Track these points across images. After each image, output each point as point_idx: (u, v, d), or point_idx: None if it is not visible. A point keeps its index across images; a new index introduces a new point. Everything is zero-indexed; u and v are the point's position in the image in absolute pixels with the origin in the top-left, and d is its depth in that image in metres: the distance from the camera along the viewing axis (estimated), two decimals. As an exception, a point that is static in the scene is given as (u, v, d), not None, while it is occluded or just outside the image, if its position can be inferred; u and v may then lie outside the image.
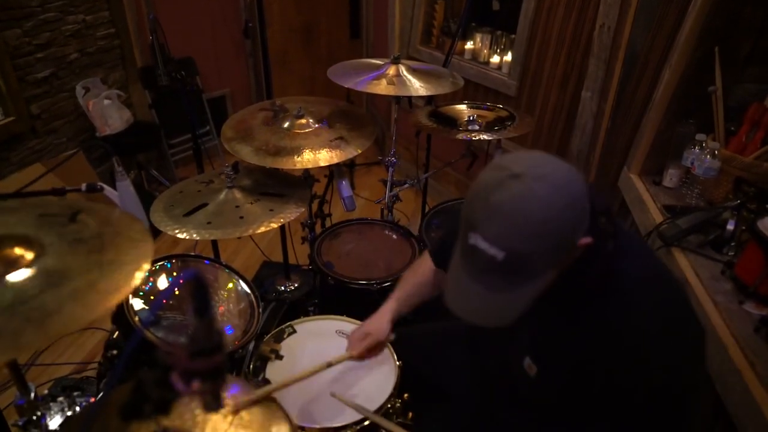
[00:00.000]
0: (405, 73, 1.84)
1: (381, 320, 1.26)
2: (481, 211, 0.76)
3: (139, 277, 0.72)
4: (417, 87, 1.79)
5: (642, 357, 0.80)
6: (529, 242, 0.73)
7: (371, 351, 1.25)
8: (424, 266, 1.32)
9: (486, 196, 0.75)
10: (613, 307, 0.83)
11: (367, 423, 1.14)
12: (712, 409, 1.14)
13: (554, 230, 0.74)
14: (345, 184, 1.81)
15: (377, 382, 1.24)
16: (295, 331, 1.40)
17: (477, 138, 1.80)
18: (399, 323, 1.29)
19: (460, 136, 1.86)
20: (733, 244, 1.34)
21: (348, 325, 1.42)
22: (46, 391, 1.47)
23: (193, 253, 1.59)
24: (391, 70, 1.85)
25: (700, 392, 0.83)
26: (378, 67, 1.88)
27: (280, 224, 1.45)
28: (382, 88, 1.78)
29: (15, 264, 0.75)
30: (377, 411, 1.16)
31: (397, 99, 2.01)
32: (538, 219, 0.73)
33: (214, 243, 2.00)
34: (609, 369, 0.82)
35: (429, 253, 1.33)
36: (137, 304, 1.28)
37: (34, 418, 1.01)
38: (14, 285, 0.71)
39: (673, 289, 0.87)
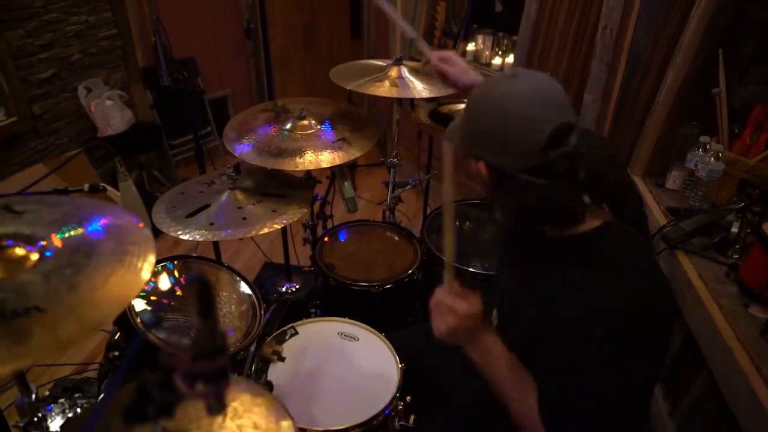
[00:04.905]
0: (407, 74, 1.83)
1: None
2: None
3: (145, 277, 0.72)
4: (420, 89, 1.78)
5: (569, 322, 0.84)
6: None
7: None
8: None
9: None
10: (571, 280, 0.86)
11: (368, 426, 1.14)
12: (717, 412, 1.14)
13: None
14: (347, 185, 1.81)
15: (380, 384, 1.24)
16: (297, 333, 1.40)
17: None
18: (399, 326, 1.28)
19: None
20: (737, 246, 1.33)
21: (350, 327, 1.41)
22: (47, 392, 1.47)
23: (194, 254, 1.58)
24: (393, 72, 1.84)
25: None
26: (380, 69, 1.88)
27: (282, 225, 1.45)
28: (384, 90, 1.77)
29: (18, 264, 0.74)
30: (380, 413, 1.16)
31: (399, 100, 2.01)
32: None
33: (216, 244, 2.00)
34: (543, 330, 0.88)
35: None
36: (139, 305, 1.28)
37: (35, 419, 1.01)
38: (18, 287, 0.71)
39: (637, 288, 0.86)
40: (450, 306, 0.91)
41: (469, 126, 0.90)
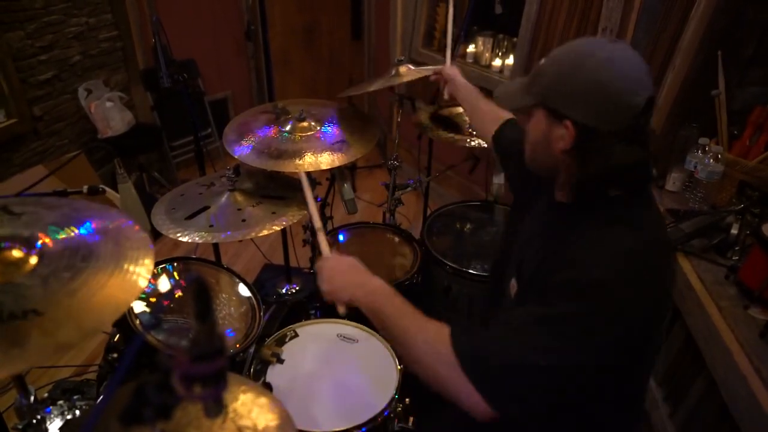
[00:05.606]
0: (401, 72, 1.82)
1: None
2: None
3: (143, 282, 0.72)
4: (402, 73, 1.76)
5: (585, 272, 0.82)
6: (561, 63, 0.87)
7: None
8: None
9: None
10: (592, 238, 0.86)
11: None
12: (718, 414, 1.13)
13: (585, 76, 0.83)
14: (347, 187, 1.81)
15: (379, 386, 1.24)
16: (296, 335, 1.40)
17: (478, 144, 1.80)
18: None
19: (461, 142, 1.85)
20: (737, 248, 1.33)
21: (350, 329, 1.41)
22: (46, 394, 1.46)
23: (194, 256, 1.58)
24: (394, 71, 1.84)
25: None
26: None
27: (282, 227, 1.45)
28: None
29: (16, 267, 0.74)
30: (379, 415, 1.16)
31: (400, 101, 2.01)
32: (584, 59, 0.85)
33: (216, 246, 2.00)
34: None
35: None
36: (138, 306, 1.28)
37: (34, 421, 1.01)
38: (17, 290, 0.71)
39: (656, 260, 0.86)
40: (332, 264, 1.07)
41: (556, 85, 0.87)
